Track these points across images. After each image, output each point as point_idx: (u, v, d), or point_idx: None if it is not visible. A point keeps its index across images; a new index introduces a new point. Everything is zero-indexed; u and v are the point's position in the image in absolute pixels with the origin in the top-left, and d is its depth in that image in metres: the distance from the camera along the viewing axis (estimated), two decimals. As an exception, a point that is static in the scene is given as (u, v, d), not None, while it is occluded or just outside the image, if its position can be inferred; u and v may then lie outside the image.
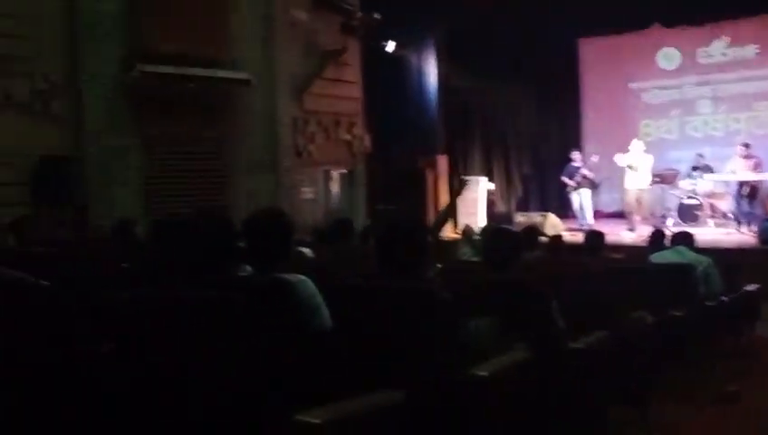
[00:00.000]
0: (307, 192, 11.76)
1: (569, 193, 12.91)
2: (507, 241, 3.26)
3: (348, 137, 12.48)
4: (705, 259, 5.53)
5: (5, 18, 8.65)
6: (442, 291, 2.58)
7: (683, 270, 5.17)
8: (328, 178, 12.52)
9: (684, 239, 5.95)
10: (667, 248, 5.86)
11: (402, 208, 11.83)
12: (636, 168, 11.95)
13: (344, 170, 12.75)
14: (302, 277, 2.89)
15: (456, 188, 7.01)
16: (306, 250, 5.54)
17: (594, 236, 6.48)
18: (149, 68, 9.51)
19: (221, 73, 10.20)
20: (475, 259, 5.54)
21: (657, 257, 5.60)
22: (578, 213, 12.91)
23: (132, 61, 9.57)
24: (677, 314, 4.46)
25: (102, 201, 9.49)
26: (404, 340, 2.49)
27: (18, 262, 4.13)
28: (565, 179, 12.88)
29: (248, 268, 3.13)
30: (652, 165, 12.14)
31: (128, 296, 2.33)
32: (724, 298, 5.44)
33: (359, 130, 12.61)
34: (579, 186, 12.66)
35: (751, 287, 6.32)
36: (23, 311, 1.89)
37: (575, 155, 13.03)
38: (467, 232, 5.93)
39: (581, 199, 12.76)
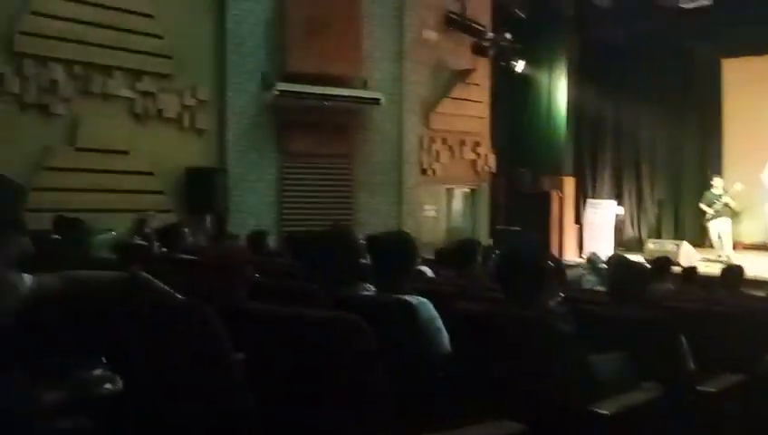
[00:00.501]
0: (429, 210, 11.89)
1: (707, 221, 12.18)
2: (634, 274, 3.17)
3: (473, 156, 12.52)
4: None
5: (158, 39, 9.44)
6: (564, 323, 2.56)
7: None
8: (450, 196, 12.59)
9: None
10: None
11: (525, 231, 11.65)
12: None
13: (467, 189, 12.79)
14: (424, 300, 2.95)
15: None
16: (426, 269, 5.61)
17: (731, 271, 6.11)
18: (288, 86, 10.04)
19: (353, 92, 10.58)
20: (599, 288, 5.39)
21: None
22: (715, 243, 12.14)
23: (272, 79, 10.14)
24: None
25: (238, 211, 10.09)
26: (523, 371, 2.49)
27: (166, 269, 4.50)
28: (703, 207, 12.15)
29: (371, 287, 3.26)
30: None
31: (257, 308, 2.47)
32: None
33: (484, 149, 12.61)
34: (718, 214, 11.92)
35: None
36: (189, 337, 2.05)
37: (716, 181, 12.27)
38: (592, 259, 5.77)
39: (720, 228, 11.98)
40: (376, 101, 10.74)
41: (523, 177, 13.19)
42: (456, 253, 5.67)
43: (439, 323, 2.95)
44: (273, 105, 10.25)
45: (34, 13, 8.38)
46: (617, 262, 3.37)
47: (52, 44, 8.50)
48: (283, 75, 10.20)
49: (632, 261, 3.35)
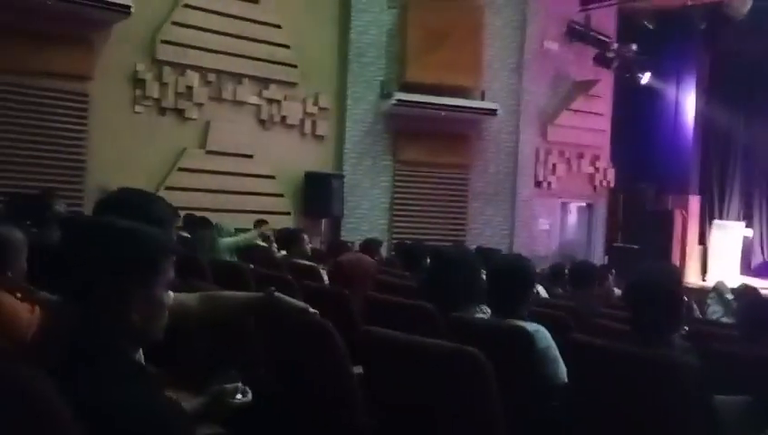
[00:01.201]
0: (543, 223, 11.68)
1: None
2: (765, 312, 2.99)
3: (591, 170, 12.19)
4: None
5: (285, 48, 9.83)
6: (690, 360, 2.47)
7: None
8: (566, 210, 12.31)
9: None
10: None
11: (652, 253, 11.16)
12: None
13: (584, 204, 12.46)
14: (540, 327, 2.94)
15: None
16: (541, 289, 5.54)
17: None
18: (406, 96, 10.18)
19: (470, 103, 10.58)
20: (725, 320, 5.12)
21: None
22: None
23: (391, 89, 10.32)
24: None
25: (352, 216, 10.35)
26: (645, 409, 2.42)
27: (287, 273, 4.71)
28: None
29: (486, 309, 3.27)
30: None
31: (380, 333, 2.54)
32: None
33: (603, 163, 12.25)
34: None
35: None
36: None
37: None
38: (719, 289, 5.48)
39: None
40: (493, 112, 10.69)
41: (645, 193, 12.67)
42: (574, 274, 5.54)
43: (556, 352, 2.92)
44: (390, 114, 10.43)
45: (175, 23, 8.96)
46: (747, 298, 3.18)
47: (190, 53, 9.06)
48: (402, 85, 10.37)
49: (764, 298, 3.16)
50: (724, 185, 13.42)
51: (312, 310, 2.26)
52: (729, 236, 12.06)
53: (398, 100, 10.15)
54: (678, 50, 12.11)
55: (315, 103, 10.23)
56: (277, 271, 5.02)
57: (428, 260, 5.74)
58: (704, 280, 12.23)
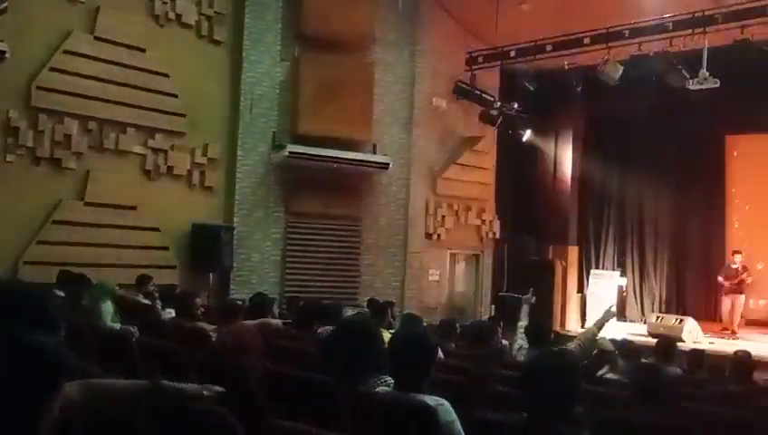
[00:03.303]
0: (434, 274, 11.87)
1: (724, 295, 12.30)
2: (658, 381, 3.10)
3: (477, 222, 12.57)
4: None
5: (172, 98, 9.57)
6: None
7: None
8: (455, 261, 12.59)
9: None
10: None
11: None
12: None
13: (471, 254, 12.80)
14: (443, 402, 2.90)
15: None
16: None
17: (743, 361, 6.03)
18: (298, 148, 10.14)
19: (362, 156, 10.68)
20: (611, 376, 5.32)
21: (816, 395, 5.14)
22: (725, 317, 12.24)
23: (283, 140, 10.25)
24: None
25: (243, 270, 10.07)
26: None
27: (177, 341, 4.45)
28: (721, 280, 12.26)
29: (388, 380, 3.20)
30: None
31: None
32: None
33: (489, 215, 12.68)
34: (733, 290, 12.07)
35: None
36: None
37: (736, 257, 12.40)
38: (605, 347, 5.69)
39: (734, 304, 12.14)
40: (384, 166, 10.84)
41: (528, 244, 13.20)
42: (467, 333, 5.61)
43: (458, 425, 2.90)
44: (282, 166, 10.33)
45: (53, 69, 8.50)
46: (643, 368, 3.30)
47: (69, 100, 8.61)
48: (294, 137, 10.33)
49: (658, 369, 3.29)
50: (600, 236, 14.23)
51: (207, 392, 2.12)
52: (605, 285, 12.72)
53: (291, 151, 10.08)
54: (557, 109, 12.86)
55: (204, 154, 9.98)
56: (164, 336, 4.75)
57: (323, 320, 5.67)
58: (583, 327, 12.79)
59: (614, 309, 6.26)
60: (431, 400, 2.90)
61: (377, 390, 3.12)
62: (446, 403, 2.91)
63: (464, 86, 11.65)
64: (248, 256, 10.20)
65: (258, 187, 10.37)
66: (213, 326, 5.34)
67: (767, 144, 13.71)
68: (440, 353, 5.53)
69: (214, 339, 4.93)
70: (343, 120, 10.40)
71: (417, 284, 11.57)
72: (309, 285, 10.18)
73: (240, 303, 7.47)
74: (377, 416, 2.94)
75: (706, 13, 8.95)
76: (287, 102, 10.52)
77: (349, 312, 6.84)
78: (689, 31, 9.13)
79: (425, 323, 7.45)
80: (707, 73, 9.09)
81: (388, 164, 10.82)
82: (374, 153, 10.89)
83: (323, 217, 10.67)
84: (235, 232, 10.03)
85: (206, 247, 9.56)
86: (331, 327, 4.47)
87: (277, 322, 5.74)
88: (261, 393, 3.24)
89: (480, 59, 11.60)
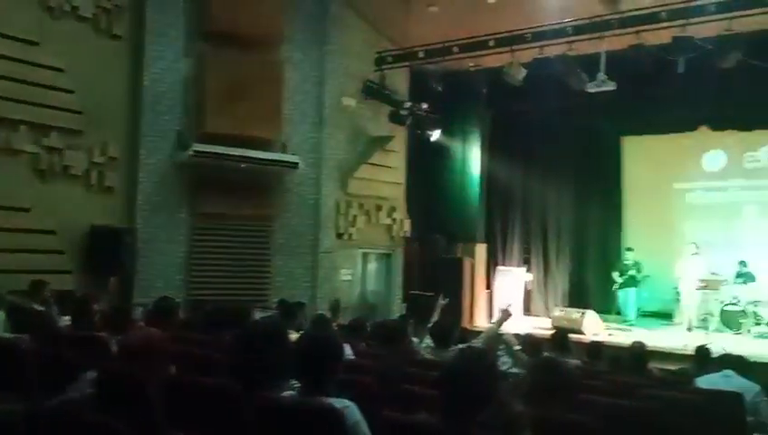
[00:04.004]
0: (345, 274, 11.84)
1: (617, 289, 13.03)
2: (556, 378, 3.18)
3: (388, 221, 12.64)
4: (754, 387, 5.34)
5: (68, 94, 9.11)
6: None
7: (731, 399, 5.01)
8: (366, 260, 12.61)
9: (731, 362, 5.78)
10: (715, 371, 5.70)
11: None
12: (685, 271, 12.06)
13: (383, 254, 12.86)
14: (349, 404, 2.88)
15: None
16: (347, 348, 5.51)
17: (638, 352, 6.32)
18: (204, 147, 9.86)
19: (271, 155, 10.52)
20: (514, 370, 5.46)
21: (704, 382, 5.45)
22: (622, 308, 12.93)
23: (188, 139, 9.95)
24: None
25: (147, 273, 9.70)
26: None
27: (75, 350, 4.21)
28: (615, 275, 13.00)
29: (295, 383, 3.14)
30: (699, 268, 12.08)
31: None
32: (774, 430, 5.22)
33: (399, 214, 12.77)
34: (626, 283, 12.83)
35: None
36: None
37: (629, 253, 13.18)
38: (508, 341, 5.86)
39: (628, 296, 12.95)
40: (294, 165, 10.72)
41: (437, 242, 13.40)
42: (378, 333, 5.61)
43: (365, 427, 2.87)
44: (187, 165, 10.03)
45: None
46: (539, 365, 3.38)
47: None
48: (200, 136, 10.05)
49: (555, 364, 3.37)
50: (506, 233, 14.62)
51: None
52: (511, 281, 13.08)
53: (196, 151, 9.80)
54: (464, 110, 13.12)
55: (103, 153, 9.56)
56: (58, 345, 4.49)
57: (231, 324, 5.52)
58: (491, 323, 13.10)
59: (511, 309, 6.43)
60: (337, 402, 2.87)
61: (283, 394, 3.06)
62: (352, 405, 2.89)
63: (373, 86, 11.68)
64: (152, 260, 9.84)
65: (162, 187, 10.02)
66: (113, 333, 5.11)
67: (659, 145, 14.50)
68: (350, 354, 5.54)
69: (113, 347, 4.71)
70: (252, 119, 10.21)
71: (329, 284, 11.52)
72: (217, 289, 9.93)
73: (143, 308, 7.24)
74: (282, 422, 2.88)
75: (604, 18, 9.33)
76: (193, 100, 10.22)
77: (258, 314, 6.71)
78: (588, 35, 9.49)
79: (335, 324, 7.43)
80: (605, 76, 9.50)
81: (298, 163, 10.71)
82: (284, 152, 10.75)
83: (232, 217, 10.44)
84: (137, 234, 9.65)
85: (107, 251, 9.16)
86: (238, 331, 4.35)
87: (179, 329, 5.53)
88: (162, 404, 3.10)
89: (389, 59, 11.66)
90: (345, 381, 3.29)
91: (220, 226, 10.36)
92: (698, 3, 8.72)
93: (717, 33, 8.83)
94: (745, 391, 5.26)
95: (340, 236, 11.75)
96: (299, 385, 3.08)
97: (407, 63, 11.77)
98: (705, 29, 8.92)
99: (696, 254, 12.38)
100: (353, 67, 11.67)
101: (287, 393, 3.06)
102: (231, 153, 9.97)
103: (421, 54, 11.13)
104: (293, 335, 4.11)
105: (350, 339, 6.31)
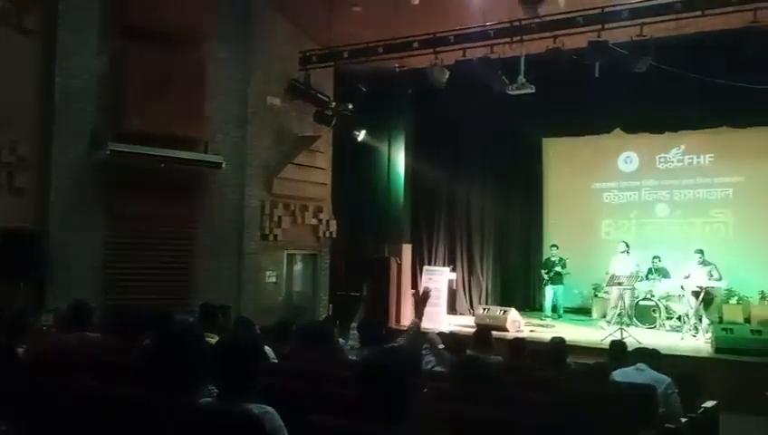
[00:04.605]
0: (270, 276, 11.68)
1: (544, 286, 13.46)
2: (478, 375, 3.23)
3: (314, 221, 12.55)
4: (665, 379, 5.57)
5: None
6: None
7: (644, 392, 5.21)
8: (292, 262, 12.48)
9: (644, 355, 6.01)
10: (629, 364, 5.91)
11: (370, 301, 11.78)
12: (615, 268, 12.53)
13: (309, 254, 12.76)
14: (268, 409, 2.82)
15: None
16: (269, 351, 5.43)
17: (558, 347, 6.49)
18: (121, 146, 9.53)
19: (193, 155, 10.27)
20: (438, 369, 5.51)
21: (619, 376, 5.65)
22: (546, 304, 13.33)
23: (104, 138, 9.59)
24: (640, 441, 4.47)
25: (61, 278, 9.27)
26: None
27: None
28: (543, 272, 13.43)
29: (214, 390, 3.06)
30: (628, 266, 12.54)
31: None
32: (683, 419, 5.47)
33: (326, 215, 12.71)
34: (551, 280, 13.24)
35: (709, 404, 6.38)
36: None
37: (553, 250, 13.63)
38: (432, 340, 5.91)
39: (554, 293, 13.45)
40: (217, 165, 10.50)
41: (364, 243, 13.41)
42: (302, 335, 5.55)
43: (284, 433, 2.83)
44: (103, 165, 9.66)
45: None
46: (462, 363, 3.42)
47: None
48: (117, 134, 9.70)
49: (480, 362, 3.42)
50: (432, 233, 14.78)
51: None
52: (437, 281, 13.19)
53: (113, 150, 9.45)
54: (390, 110, 13.17)
55: (13, 152, 9.09)
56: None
57: (149, 329, 5.34)
58: (414, 322, 13.20)
59: (431, 292, 6.53)
60: (256, 408, 2.81)
61: (201, 401, 2.97)
62: (272, 410, 2.83)
63: (298, 85, 11.58)
64: (66, 264, 9.40)
65: (77, 188, 9.62)
66: (15, 341, 4.86)
67: (578, 146, 14.99)
68: (273, 357, 5.46)
69: (21, 355, 4.48)
70: (172, 118, 9.92)
71: (255, 286, 11.34)
72: (137, 293, 9.60)
73: (54, 313, 6.93)
74: (199, 428, 2.80)
75: (524, 22, 9.55)
76: (109, 97, 9.85)
77: (179, 318, 6.53)
78: (508, 38, 9.69)
79: (258, 327, 7.31)
80: (524, 79, 9.72)
81: (221, 164, 10.50)
82: (206, 152, 10.51)
83: (152, 219, 10.12)
84: (50, 237, 9.22)
85: (15, 255, 8.69)
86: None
87: (96, 335, 5.33)
88: (77, 414, 2.97)
89: (314, 59, 11.58)
90: (267, 385, 3.23)
91: (140, 228, 10.02)
92: (613, 9, 9.04)
93: (630, 39, 9.19)
94: (657, 384, 5.48)
95: (265, 237, 11.58)
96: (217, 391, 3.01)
97: (331, 63, 11.72)
98: (620, 34, 9.27)
99: (625, 252, 12.83)
100: (278, 66, 11.54)
101: (205, 401, 2.98)
102: (150, 153, 9.67)
103: (346, 54, 11.10)
104: (213, 339, 4.02)
105: (275, 342, 6.21)
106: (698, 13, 8.56)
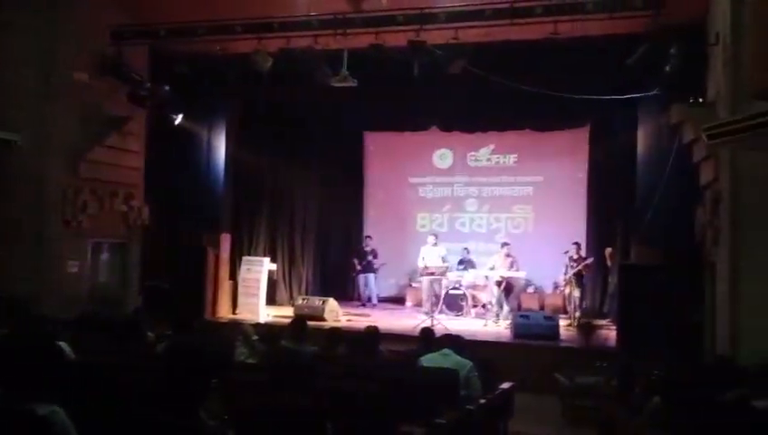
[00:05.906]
0: (73, 266, 10.82)
1: (356, 275, 13.92)
2: (291, 366, 3.21)
3: (124, 208, 11.79)
4: (467, 363, 5.95)
5: None
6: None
7: (447, 376, 5.52)
8: (98, 250, 11.66)
9: (450, 341, 6.37)
10: (436, 350, 6.23)
11: (182, 292, 11.34)
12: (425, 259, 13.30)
13: (117, 243, 12.00)
14: (54, 408, 2.63)
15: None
16: (65, 346, 5.03)
17: (371, 335, 6.68)
18: None
19: (-18, 131, 9.23)
20: (250, 361, 5.44)
21: (426, 361, 5.93)
22: (363, 293, 13.81)
23: None
24: (442, 422, 4.72)
25: None
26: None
27: None
28: (355, 262, 13.90)
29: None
30: (436, 257, 13.29)
31: None
32: (482, 400, 5.87)
33: (137, 201, 12.00)
34: (365, 270, 13.74)
35: (506, 385, 6.91)
36: None
37: (368, 241, 14.14)
38: (246, 332, 5.82)
39: (368, 282, 14.24)
40: (12, 143, 9.53)
41: (180, 231, 12.86)
42: (117, 329, 5.23)
43: (72, 430, 2.65)
44: None
45: None
46: (277, 354, 3.39)
47: None
48: None
49: (293, 352, 3.41)
50: (253, 223, 14.54)
51: None
52: (256, 271, 13.01)
53: None
54: (211, 94, 12.71)
55: None
56: None
57: None
58: (235, 314, 12.99)
59: None
60: (41, 408, 2.59)
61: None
62: (58, 409, 2.65)
63: (110, 61, 10.80)
64: None
65: None
66: None
67: (397, 141, 15.54)
68: (69, 352, 5.07)
69: None
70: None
71: (56, 275, 10.45)
72: None
73: None
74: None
75: (347, 15, 9.66)
76: None
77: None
78: (332, 31, 9.76)
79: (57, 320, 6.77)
80: (347, 73, 9.85)
81: (18, 142, 9.55)
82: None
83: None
84: None
85: None
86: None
87: None
88: None
89: (128, 34, 10.86)
90: (60, 381, 2.99)
91: None
92: (430, 11, 9.43)
93: (447, 42, 9.63)
94: (460, 368, 5.84)
95: (67, 223, 10.67)
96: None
97: (147, 41, 11.08)
98: (437, 36, 9.68)
99: (435, 245, 13.60)
100: (88, 39, 10.66)
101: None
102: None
103: (162, 33, 10.55)
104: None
105: (76, 336, 5.80)
106: (507, 21, 9.17)
